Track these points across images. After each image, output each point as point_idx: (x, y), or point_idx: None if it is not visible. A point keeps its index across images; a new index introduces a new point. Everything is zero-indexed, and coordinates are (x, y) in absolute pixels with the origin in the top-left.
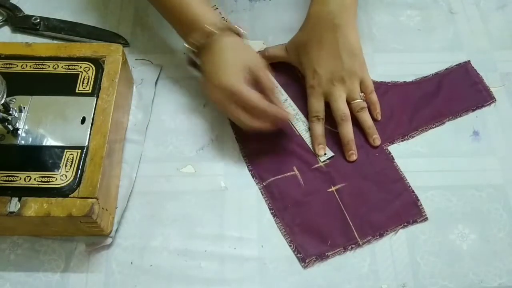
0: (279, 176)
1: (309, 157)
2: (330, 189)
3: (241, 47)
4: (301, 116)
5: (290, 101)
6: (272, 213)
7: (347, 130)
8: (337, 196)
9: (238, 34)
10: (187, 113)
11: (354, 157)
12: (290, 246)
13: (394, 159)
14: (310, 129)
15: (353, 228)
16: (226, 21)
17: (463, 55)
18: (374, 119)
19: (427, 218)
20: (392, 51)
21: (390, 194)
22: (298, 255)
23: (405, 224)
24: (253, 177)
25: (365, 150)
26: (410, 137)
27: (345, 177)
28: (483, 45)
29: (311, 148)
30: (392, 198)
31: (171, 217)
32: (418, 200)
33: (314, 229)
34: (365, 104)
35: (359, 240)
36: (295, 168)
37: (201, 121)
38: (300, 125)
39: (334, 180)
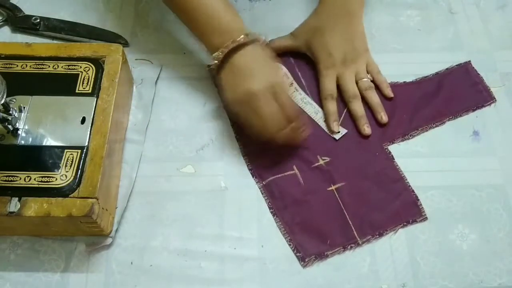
0: (279, 175)
1: (309, 155)
2: (330, 188)
3: (271, 56)
4: (308, 99)
5: (296, 84)
6: (271, 212)
7: (359, 106)
8: (337, 195)
9: (262, 42)
10: (187, 113)
11: (368, 131)
12: (289, 245)
13: (394, 159)
14: (324, 107)
15: (353, 228)
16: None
17: (463, 55)
18: (386, 97)
19: (426, 217)
20: (392, 51)
21: (390, 194)
22: (298, 254)
23: (405, 223)
24: (253, 176)
25: (366, 149)
26: (410, 136)
27: (345, 176)
28: (483, 45)
29: (325, 126)
30: (392, 197)
31: (171, 217)
32: (418, 200)
33: (314, 228)
34: (372, 84)
35: (358, 239)
36: (295, 167)
37: (201, 121)
38: (309, 108)
39: (334, 179)
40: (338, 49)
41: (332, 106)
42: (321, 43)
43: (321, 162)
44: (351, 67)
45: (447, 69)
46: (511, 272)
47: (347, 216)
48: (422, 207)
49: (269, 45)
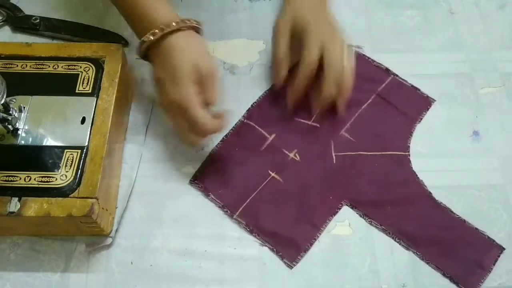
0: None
1: (280, 153)
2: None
3: (193, 47)
4: None
5: None
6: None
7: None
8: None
9: (196, 29)
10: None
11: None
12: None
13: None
14: (296, 80)
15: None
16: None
17: (463, 55)
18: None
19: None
20: (392, 51)
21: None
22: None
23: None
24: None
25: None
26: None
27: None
28: (483, 45)
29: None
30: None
31: (171, 217)
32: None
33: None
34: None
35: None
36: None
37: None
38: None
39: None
40: (329, 15)
41: (303, 83)
42: (309, 9)
43: (292, 156)
44: (339, 37)
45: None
46: (511, 272)
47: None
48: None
49: (277, 61)
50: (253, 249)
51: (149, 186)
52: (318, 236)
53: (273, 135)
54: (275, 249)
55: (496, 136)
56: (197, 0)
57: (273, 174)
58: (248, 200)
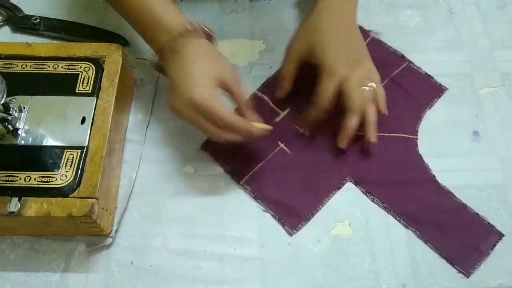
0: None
1: (289, 130)
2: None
3: (212, 54)
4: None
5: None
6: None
7: (356, 122)
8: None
9: (208, 36)
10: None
11: (344, 145)
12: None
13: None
14: (309, 113)
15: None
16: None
17: (463, 55)
18: (380, 113)
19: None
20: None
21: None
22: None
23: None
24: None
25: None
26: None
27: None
28: (483, 45)
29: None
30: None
31: (171, 217)
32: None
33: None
34: (375, 94)
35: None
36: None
37: None
38: None
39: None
40: (344, 47)
41: (316, 115)
42: (325, 40)
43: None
44: (357, 70)
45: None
46: (511, 272)
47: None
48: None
49: (281, 78)
50: (253, 249)
51: (149, 186)
52: (320, 208)
53: (286, 111)
54: (277, 216)
55: (496, 136)
56: (197, 0)
57: (282, 145)
58: (255, 168)
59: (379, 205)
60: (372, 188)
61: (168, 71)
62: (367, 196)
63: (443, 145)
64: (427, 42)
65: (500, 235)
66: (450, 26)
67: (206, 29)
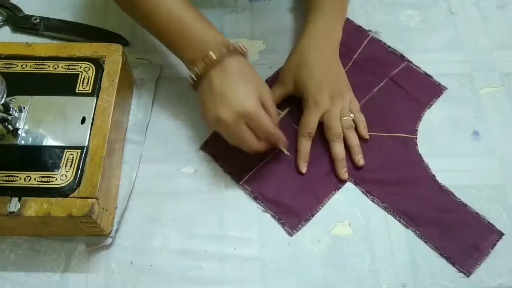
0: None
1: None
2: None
3: (251, 72)
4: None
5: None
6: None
7: (341, 148)
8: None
9: (242, 53)
10: (187, 113)
11: (346, 176)
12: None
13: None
14: (299, 144)
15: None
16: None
17: (463, 55)
18: (361, 138)
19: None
20: None
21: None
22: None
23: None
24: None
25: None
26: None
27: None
28: (483, 45)
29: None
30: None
31: (171, 217)
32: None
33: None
34: (353, 123)
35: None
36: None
37: (201, 121)
38: None
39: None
40: (327, 82)
41: (307, 146)
42: (309, 74)
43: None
44: (338, 103)
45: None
46: (511, 272)
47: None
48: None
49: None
50: (253, 249)
51: (149, 186)
52: (320, 208)
53: (286, 111)
54: (277, 216)
55: (496, 136)
56: (197, 0)
57: (281, 147)
58: (255, 169)
59: (379, 205)
60: (372, 188)
61: (213, 84)
62: (367, 196)
63: (443, 145)
64: (427, 42)
65: (500, 234)
66: (450, 26)
67: (242, 47)
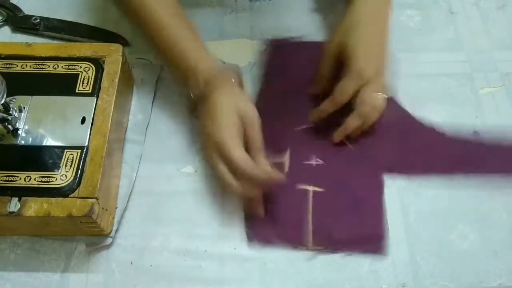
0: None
1: (306, 151)
2: (307, 187)
3: (237, 97)
4: None
5: None
6: None
7: (356, 124)
8: (310, 197)
9: (237, 73)
10: (187, 113)
11: (337, 139)
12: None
13: (383, 192)
14: (323, 104)
15: (310, 232)
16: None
17: (463, 55)
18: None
19: (386, 255)
20: (392, 51)
21: (363, 220)
22: (248, 229)
23: (362, 252)
24: None
25: (360, 171)
26: (414, 176)
27: (329, 184)
28: (483, 45)
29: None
30: (364, 225)
31: (171, 217)
32: (386, 237)
33: (274, 217)
34: (383, 104)
35: (310, 244)
36: (287, 155)
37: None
38: None
39: (317, 181)
40: (375, 51)
41: (330, 107)
42: (358, 38)
43: (314, 163)
44: (380, 78)
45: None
46: (511, 272)
47: (310, 219)
48: (386, 245)
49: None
50: (253, 249)
51: (149, 186)
52: (385, 212)
53: (287, 155)
54: (363, 250)
55: (496, 136)
56: (197, 0)
57: (312, 188)
58: (309, 224)
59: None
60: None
61: (200, 112)
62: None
63: None
64: (427, 42)
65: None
66: (450, 26)
67: (235, 70)
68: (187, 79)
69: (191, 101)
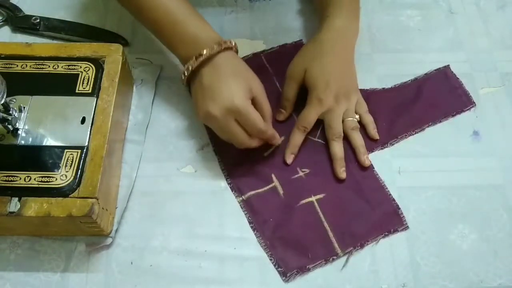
0: (259, 190)
1: (288, 167)
2: (310, 199)
3: (242, 67)
4: None
5: None
6: (252, 227)
7: (340, 148)
8: (317, 206)
9: (235, 50)
10: (187, 113)
11: (344, 175)
12: (271, 259)
13: (374, 168)
14: (291, 135)
15: (334, 240)
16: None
17: (463, 55)
18: (371, 138)
19: (408, 227)
20: (392, 51)
21: (370, 204)
22: (279, 269)
23: (386, 233)
24: (232, 190)
25: (345, 159)
26: (390, 145)
27: (325, 187)
28: (483, 45)
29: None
30: (373, 207)
31: (171, 217)
32: (399, 208)
33: (294, 242)
34: (358, 124)
35: (339, 251)
36: (274, 177)
37: (201, 121)
38: None
39: (314, 190)
40: (335, 80)
41: (299, 139)
42: (321, 70)
43: (301, 173)
44: (343, 104)
45: (425, 74)
46: (511, 272)
47: (327, 228)
48: (403, 216)
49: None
50: (253, 249)
51: (149, 186)
52: (386, 187)
53: (274, 178)
54: (386, 231)
55: (496, 136)
56: (197, 0)
57: (314, 198)
58: (329, 232)
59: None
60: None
61: (203, 80)
62: None
63: (443, 145)
64: (427, 42)
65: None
66: (450, 26)
67: (233, 43)
68: (190, 46)
69: (188, 73)
